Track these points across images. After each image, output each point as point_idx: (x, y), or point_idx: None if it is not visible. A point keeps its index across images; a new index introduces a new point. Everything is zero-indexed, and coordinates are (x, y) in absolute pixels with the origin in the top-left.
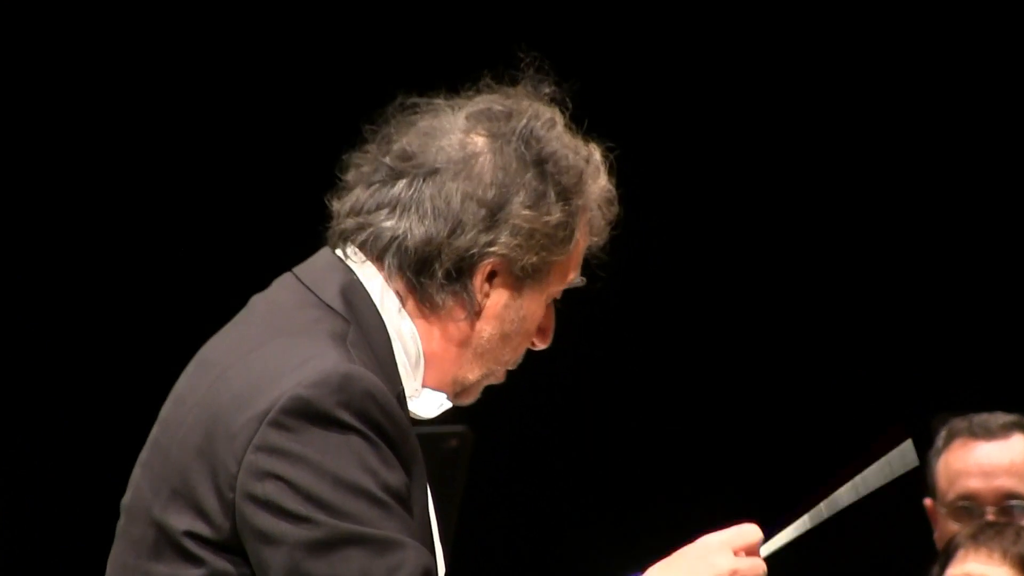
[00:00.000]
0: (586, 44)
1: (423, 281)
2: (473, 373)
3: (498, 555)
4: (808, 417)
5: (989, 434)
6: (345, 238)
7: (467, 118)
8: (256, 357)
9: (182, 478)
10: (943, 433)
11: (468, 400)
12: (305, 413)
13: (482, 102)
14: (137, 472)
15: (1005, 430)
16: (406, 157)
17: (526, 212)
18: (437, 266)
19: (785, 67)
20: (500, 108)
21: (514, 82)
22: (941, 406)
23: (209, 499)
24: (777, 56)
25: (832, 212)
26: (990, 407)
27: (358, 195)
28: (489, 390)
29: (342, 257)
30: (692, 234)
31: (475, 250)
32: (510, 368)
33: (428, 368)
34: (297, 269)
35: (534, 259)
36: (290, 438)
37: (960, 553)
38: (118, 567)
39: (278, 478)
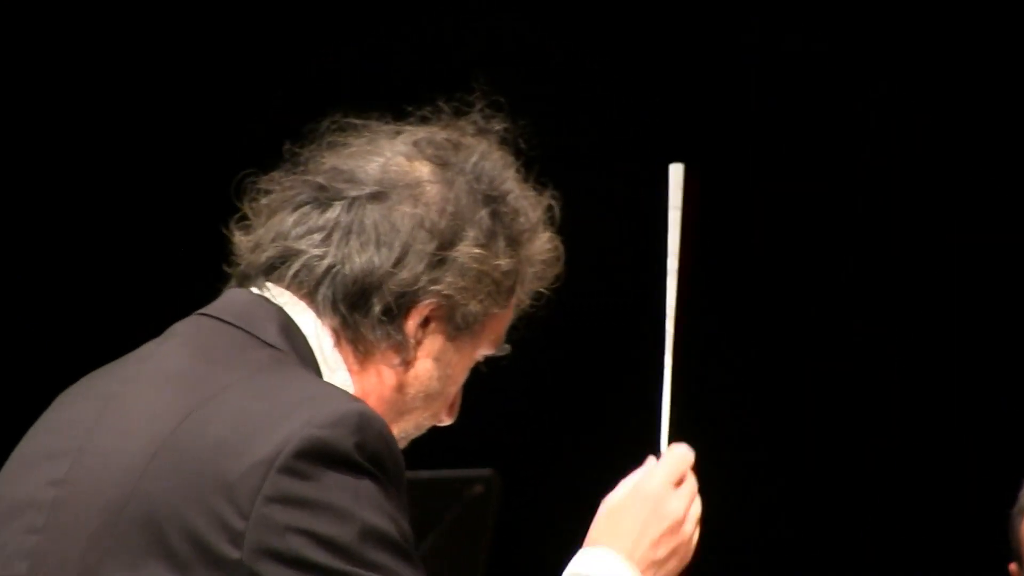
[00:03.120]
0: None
1: (357, 318)
2: None
3: None
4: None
5: None
6: (269, 270)
7: (408, 143)
8: (231, 398)
9: (154, 535)
10: None
11: None
12: (322, 456)
13: (423, 130)
14: (28, 541)
15: None
16: (341, 177)
17: (477, 251)
18: (375, 300)
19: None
20: (445, 137)
21: (460, 113)
22: None
23: (192, 557)
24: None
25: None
26: None
27: (282, 219)
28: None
29: (261, 294)
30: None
31: (418, 286)
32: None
33: None
34: (209, 310)
35: (477, 307)
36: (307, 485)
37: None
38: None
39: (302, 531)
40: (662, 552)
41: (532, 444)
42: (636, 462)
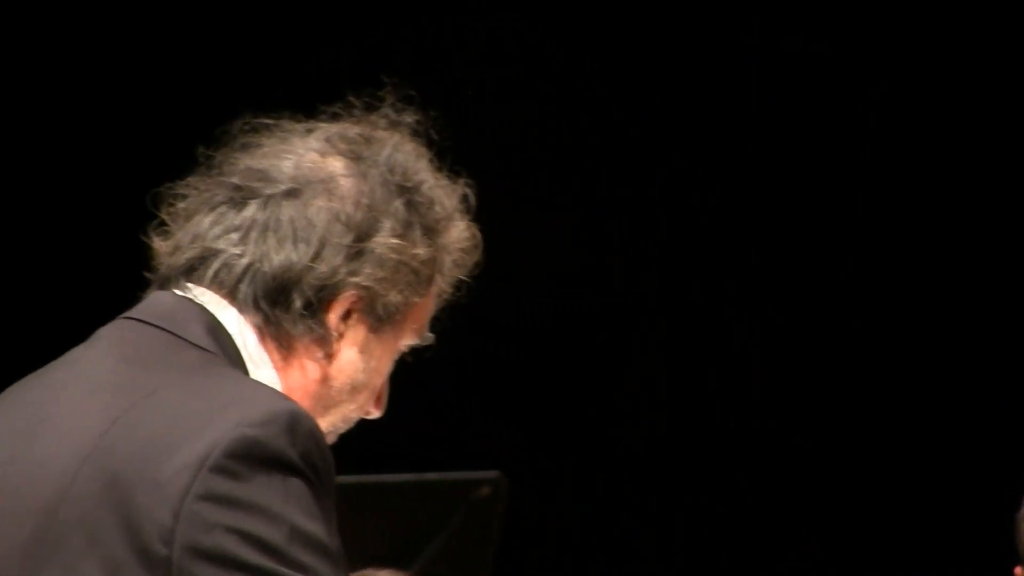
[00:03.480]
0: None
1: (278, 314)
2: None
3: None
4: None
5: None
6: (189, 271)
7: (320, 140)
8: (161, 400)
9: (89, 536)
10: None
11: None
12: (252, 456)
13: (335, 126)
14: None
15: None
16: (256, 176)
17: (395, 242)
18: (296, 295)
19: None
20: (357, 132)
21: (371, 108)
22: None
23: (126, 556)
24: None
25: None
26: None
27: (200, 221)
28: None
29: (184, 295)
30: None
31: (337, 278)
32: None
33: None
34: (134, 313)
35: (397, 298)
36: (237, 485)
37: None
38: None
39: (230, 530)
40: None
41: (539, 446)
42: (640, 463)
